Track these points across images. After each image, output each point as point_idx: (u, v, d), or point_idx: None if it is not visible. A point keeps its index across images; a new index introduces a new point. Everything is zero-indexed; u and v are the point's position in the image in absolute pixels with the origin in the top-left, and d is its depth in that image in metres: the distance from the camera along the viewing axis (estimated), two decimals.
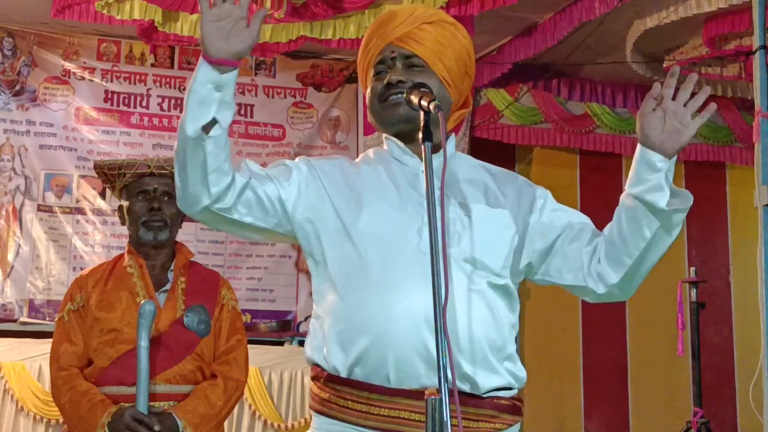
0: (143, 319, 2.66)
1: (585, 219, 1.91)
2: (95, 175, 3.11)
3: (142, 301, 2.71)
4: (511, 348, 1.83)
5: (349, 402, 1.76)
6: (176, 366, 2.78)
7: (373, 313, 1.73)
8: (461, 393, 1.68)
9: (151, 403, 2.67)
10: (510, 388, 1.82)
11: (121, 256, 2.96)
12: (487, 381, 1.77)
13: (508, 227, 1.86)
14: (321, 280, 1.85)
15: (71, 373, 2.79)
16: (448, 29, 1.90)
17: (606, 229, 1.84)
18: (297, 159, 1.93)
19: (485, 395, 1.77)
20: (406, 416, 1.71)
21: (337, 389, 1.77)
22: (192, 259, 3.01)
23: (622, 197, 1.80)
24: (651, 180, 1.73)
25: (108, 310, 2.80)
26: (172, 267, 2.92)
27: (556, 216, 1.90)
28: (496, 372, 1.79)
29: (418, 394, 1.69)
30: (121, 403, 2.71)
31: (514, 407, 1.82)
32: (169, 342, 2.77)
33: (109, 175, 2.94)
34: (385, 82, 1.85)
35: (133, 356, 2.69)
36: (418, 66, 1.85)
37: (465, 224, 1.81)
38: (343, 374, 1.76)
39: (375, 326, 1.72)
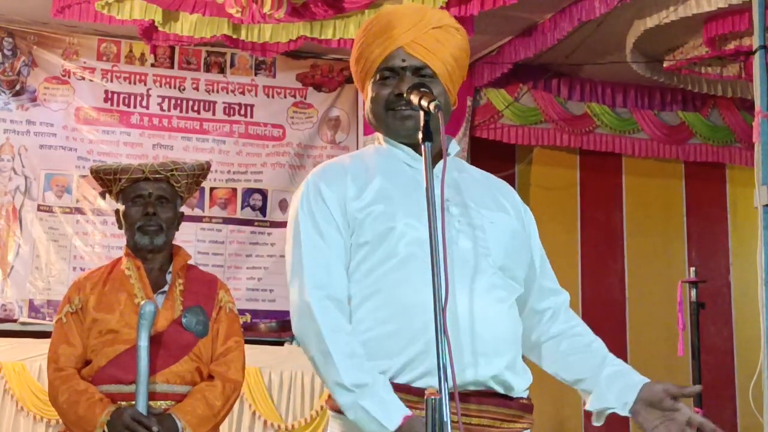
0: (144, 319, 2.66)
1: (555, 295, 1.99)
2: None
3: (143, 302, 2.71)
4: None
5: None
6: (174, 365, 2.78)
7: (422, 321, 1.68)
8: (496, 395, 1.75)
9: (150, 402, 2.67)
10: (527, 388, 1.86)
11: (119, 259, 2.96)
12: (517, 383, 1.81)
13: (527, 237, 1.93)
14: (355, 289, 1.82)
15: (69, 373, 2.79)
16: (453, 34, 1.89)
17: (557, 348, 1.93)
18: (315, 216, 1.85)
19: (515, 396, 1.81)
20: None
21: None
22: (191, 261, 3.02)
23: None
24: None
25: (107, 311, 2.81)
26: (170, 269, 2.92)
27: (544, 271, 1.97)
28: (522, 374, 1.83)
29: (464, 397, 1.69)
30: (119, 402, 2.71)
31: (531, 406, 1.87)
32: (168, 341, 2.78)
33: (105, 180, 2.94)
34: (395, 92, 1.84)
35: (130, 355, 2.70)
36: (428, 77, 1.85)
37: (490, 232, 1.82)
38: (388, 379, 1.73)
39: (423, 332, 1.69)
